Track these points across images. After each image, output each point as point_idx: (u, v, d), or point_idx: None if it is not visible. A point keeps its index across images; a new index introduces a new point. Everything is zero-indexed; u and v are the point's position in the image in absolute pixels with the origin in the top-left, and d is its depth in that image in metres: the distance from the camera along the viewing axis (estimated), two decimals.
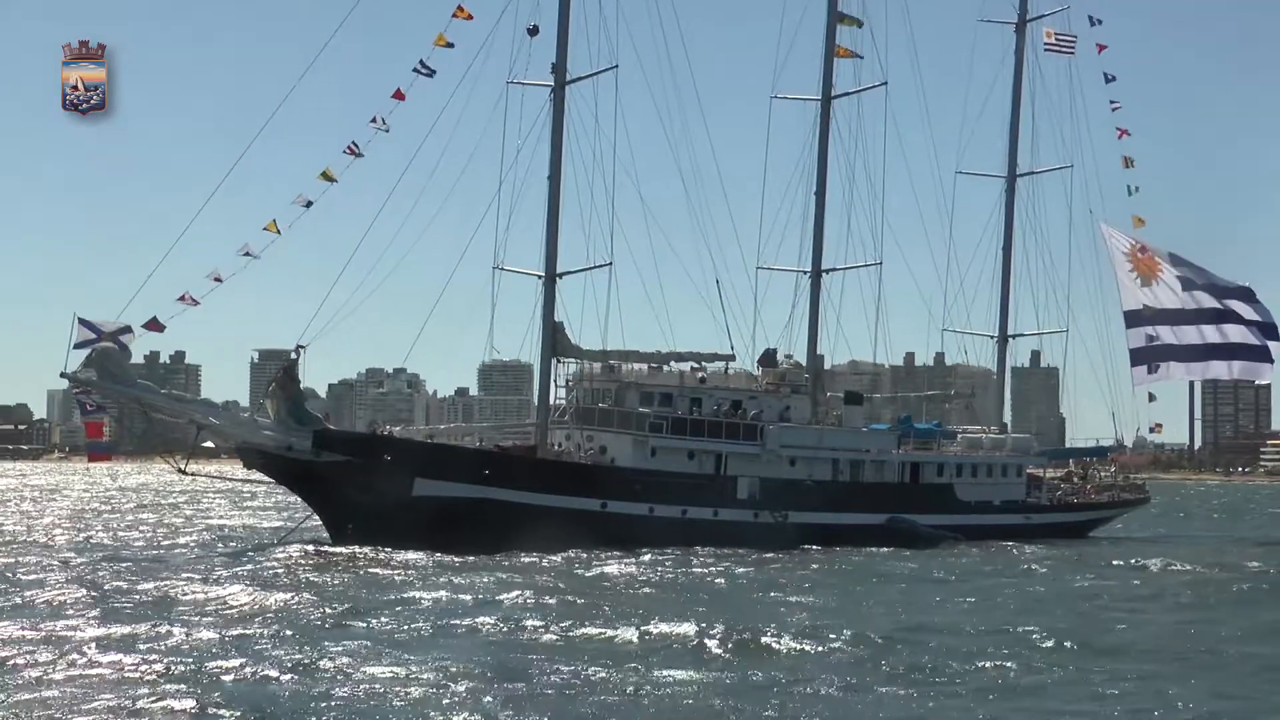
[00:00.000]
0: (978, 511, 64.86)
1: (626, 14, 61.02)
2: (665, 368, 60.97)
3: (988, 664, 26.63)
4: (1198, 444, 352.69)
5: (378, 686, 23.25)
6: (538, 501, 53.50)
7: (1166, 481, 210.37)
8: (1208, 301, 71.99)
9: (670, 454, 57.32)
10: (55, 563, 42.92)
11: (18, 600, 33.22)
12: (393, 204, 57.06)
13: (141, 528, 62.01)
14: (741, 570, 45.78)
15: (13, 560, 43.34)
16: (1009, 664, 26.68)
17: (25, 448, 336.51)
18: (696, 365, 61.53)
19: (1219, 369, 74.07)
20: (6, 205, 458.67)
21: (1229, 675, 26.50)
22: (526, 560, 47.10)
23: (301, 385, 51.79)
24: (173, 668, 24.21)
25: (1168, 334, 72.33)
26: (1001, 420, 73.11)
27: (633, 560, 47.70)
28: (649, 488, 55.99)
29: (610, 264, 57.58)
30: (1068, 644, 29.23)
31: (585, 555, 48.54)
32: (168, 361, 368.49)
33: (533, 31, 58.47)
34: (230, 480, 58.58)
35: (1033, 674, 26.04)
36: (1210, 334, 72.09)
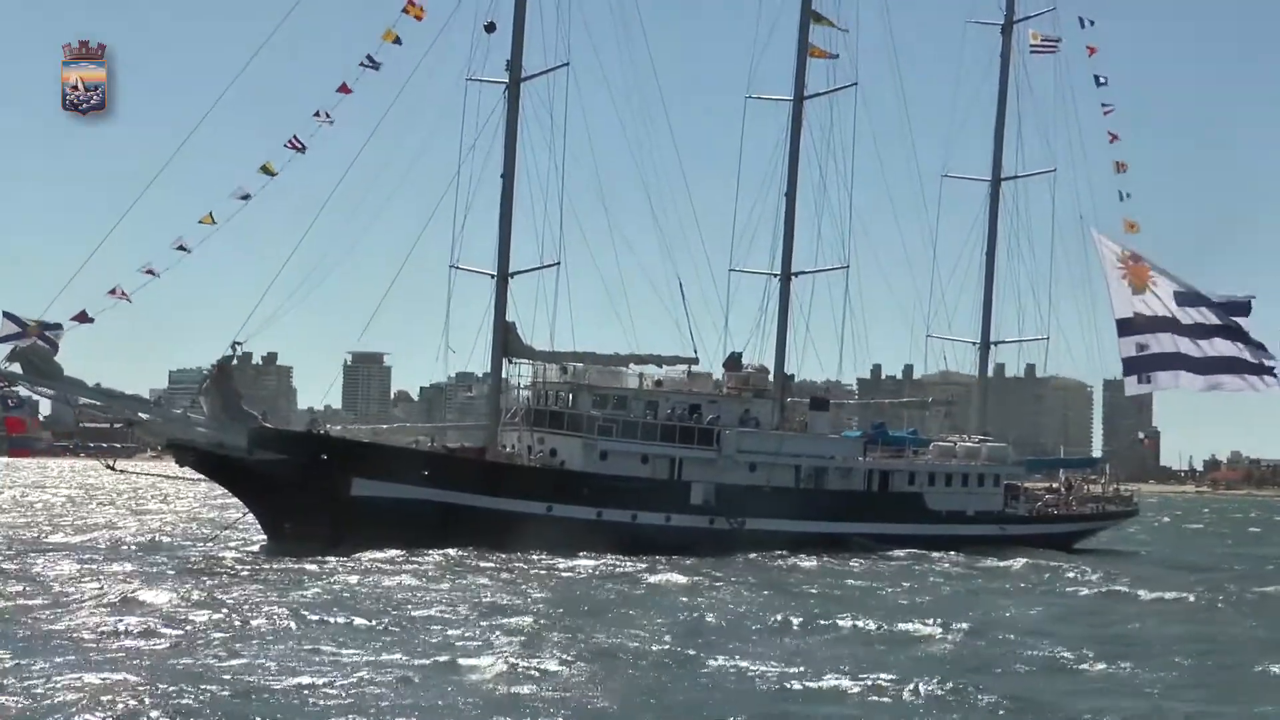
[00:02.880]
0: (948, 522, 63.37)
1: (589, 12, 60.09)
2: (625, 370, 59.89)
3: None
4: None
5: (315, 689, 22.64)
6: (480, 504, 52.62)
7: (1261, 498, 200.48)
8: (1210, 318, 70.29)
9: (621, 458, 56.25)
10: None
11: None
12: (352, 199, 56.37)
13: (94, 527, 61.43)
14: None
15: None
16: None
17: None
18: (656, 368, 60.47)
19: (1230, 382, 72.23)
20: (7, 205, 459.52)
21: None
22: (456, 560, 46.21)
23: (235, 382, 51.04)
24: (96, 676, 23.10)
25: (1161, 342, 70.73)
26: (983, 429, 71.50)
27: (563, 564, 46.76)
28: (596, 491, 54.97)
29: (558, 264, 56.79)
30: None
31: (520, 558, 47.52)
32: (259, 363, 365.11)
33: (489, 28, 57.89)
34: (161, 477, 57.94)
35: None
36: (1210, 348, 70.43)
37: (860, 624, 32.64)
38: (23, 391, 47.84)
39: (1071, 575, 49.66)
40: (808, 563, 51.50)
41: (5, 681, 22.29)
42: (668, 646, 28.03)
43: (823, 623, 32.92)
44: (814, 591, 41.78)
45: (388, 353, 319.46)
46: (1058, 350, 73.32)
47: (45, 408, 53.53)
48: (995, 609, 38.01)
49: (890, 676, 25.07)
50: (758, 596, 39.45)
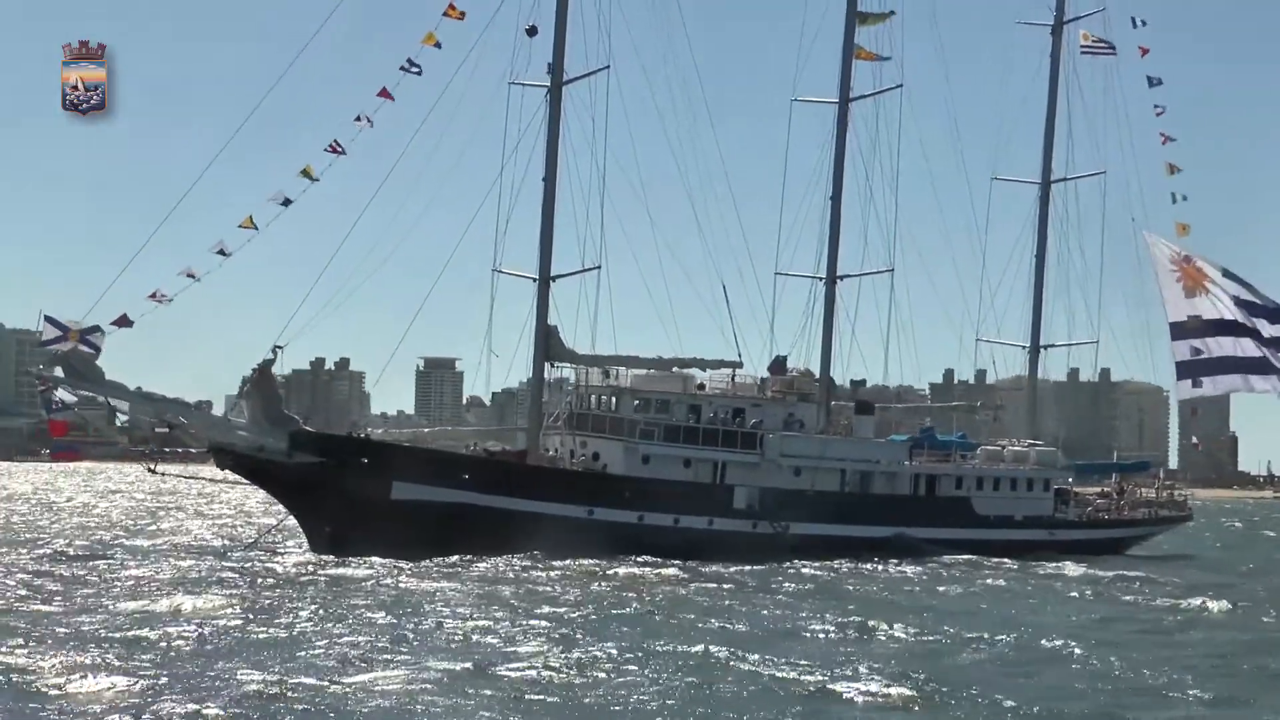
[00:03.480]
0: (997, 526, 62.72)
1: (631, 15, 59.94)
2: (667, 374, 59.59)
3: None
4: None
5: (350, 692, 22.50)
6: (520, 507, 52.50)
7: None
8: (1267, 329, 69.37)
9: (663, 462, 56.00)
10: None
11: None
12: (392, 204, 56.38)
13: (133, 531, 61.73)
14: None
15: None
16: None
17: None
18: (700, 372, 60.15)
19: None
20: (7, 205, 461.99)
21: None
22: (488, 567, 46.07)
23: (276, 385, 51.12)
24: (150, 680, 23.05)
25: (1216, 346, 69.83)
26: (1033, 433, 70.77)
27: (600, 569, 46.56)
28: (638, 495, 54.74)
29: (599, 267, 56.63)
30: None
31: (560, 563, 47.27)
32: (332, 368, 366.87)
33: (531, 32, 57.85)
34: (202, 481, 58.12)
35: None
36: (1262, 349, 69.53)
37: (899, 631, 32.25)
38: (68, 396, 48.00)
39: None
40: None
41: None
42: (722, 650, 27.61)
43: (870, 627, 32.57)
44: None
45: (459, 358, 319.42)
46: (1108, 353, 72.42)
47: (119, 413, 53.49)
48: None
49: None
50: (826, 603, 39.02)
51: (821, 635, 31.44)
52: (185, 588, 36.31)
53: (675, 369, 59.67)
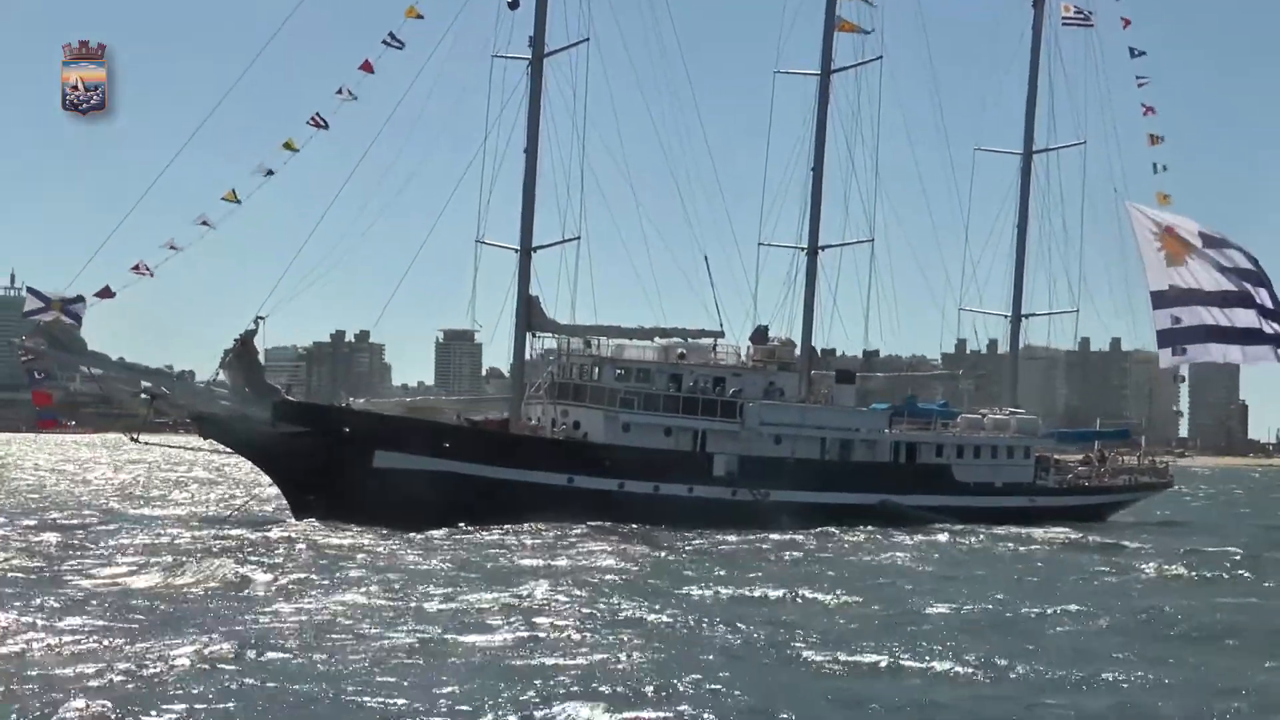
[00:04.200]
0: (976, 494, 63.36)
1: None
2: (649, 343, 60.21)
3: None
4: None
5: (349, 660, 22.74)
6: (501, 475, 53.17)
7: None
8: (1241, 288, 69.95)
9: (644, 430, 56.65)
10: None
11: None
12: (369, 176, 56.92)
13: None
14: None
15: None
16: None
17: None
18: (681, 341, 60.74)
19: (1260, 353, 71.90)
20: (7, 205, 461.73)
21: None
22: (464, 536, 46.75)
23: (258, 356, 51.75)
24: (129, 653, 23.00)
25: (1197, 314, 70.35)
26: (1014, 402, 71.37)
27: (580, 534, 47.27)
28: (618, 463, 55.37)
29: (578, 238, 57.27)
30: None
31: (543, 530, 47.85)
32: (352, 340, 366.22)
33: (513, 5, 58.37)
34: (184, 450, 58.74)
35: None
36: (1246, 318, 70.11)
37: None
38: (45, 365, 48.59)
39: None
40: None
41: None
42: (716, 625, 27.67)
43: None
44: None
45: (478, 328, 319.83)
46: (1089, 322, 72.71)
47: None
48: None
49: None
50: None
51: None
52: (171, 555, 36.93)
53: (657, 339, 60.27)
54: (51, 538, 40.88)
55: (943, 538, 50.97)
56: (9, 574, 32.48)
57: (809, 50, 68.04)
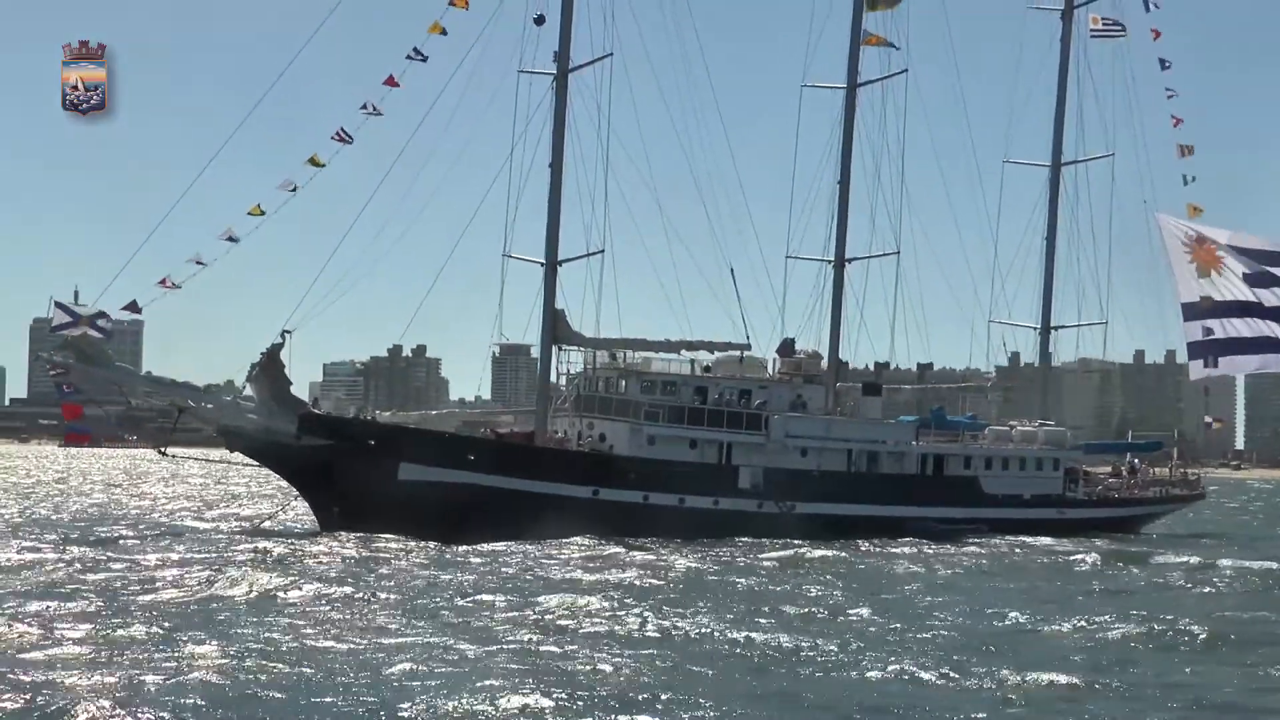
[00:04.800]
0: (1005, 505, 63.25)
1: (638, 3, 60.81)
2: (675, 355, 60.37)
3: None
4: None
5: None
6: (526, 488, 53.37)
7: None
8: (1272, 300, 69.60)
9: (669, 443, 56.76)
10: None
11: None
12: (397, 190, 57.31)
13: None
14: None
15: None
16: None
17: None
18: (708, 354, 60.90)
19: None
20: (6, 204, 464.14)
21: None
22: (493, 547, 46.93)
23: (284, 369, 52.15)
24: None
25: (1229, 326, 70.04)
26: (1045, 413, 71.23)
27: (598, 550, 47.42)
28: (643, 475, 55.51)
29: (602, 251, 57.50)
30: None
31: (565, 541, 48.01)
32: (409, 355, 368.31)
33: (539, 20, 58.67)
34: (212, 463, 59.18)
35: None
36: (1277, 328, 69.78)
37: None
38: (74, 379, 49.10)
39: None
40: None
41: None
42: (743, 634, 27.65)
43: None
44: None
45: (532, 344, 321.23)
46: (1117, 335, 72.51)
47: None
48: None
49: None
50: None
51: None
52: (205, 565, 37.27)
53: (683, 351, 60.42)
54: (83, 550, 41.33)
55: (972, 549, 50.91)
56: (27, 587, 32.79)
57: (836, 64, 68.31)
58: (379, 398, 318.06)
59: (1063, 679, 23.03)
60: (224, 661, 22.80)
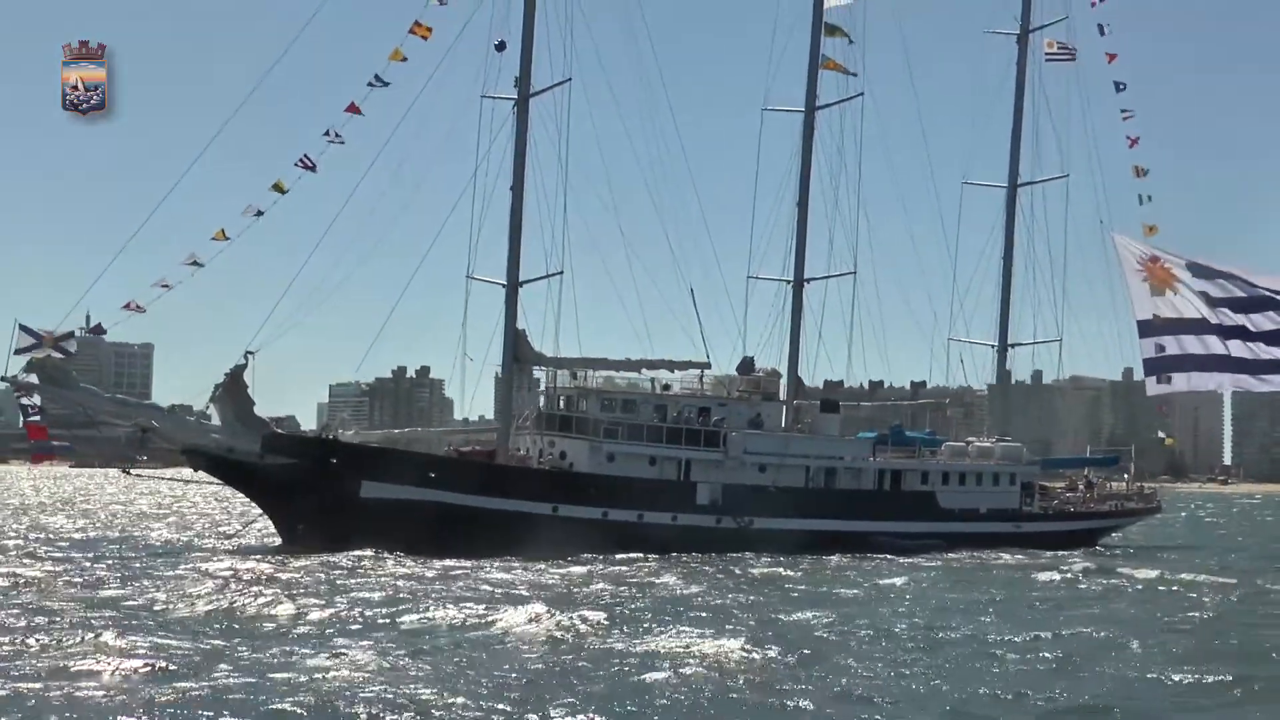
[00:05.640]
0: (961, 520, 64.45)
1: (598, 29, 62.14)
2: (636, 374, 61.53)
3: None
4: None
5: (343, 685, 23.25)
6: (487, 505, 54.41)
7: None
8: (1231, 319, 70.93)
9: (628, 459, 57.88)
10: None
11: None
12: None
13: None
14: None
15: None
16: None
17: None
18: (669, 372, 62.02)
19: (1246, 382, 72.88)
20: (6, 205, 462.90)
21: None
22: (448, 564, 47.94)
23: (248, 390, 53.16)
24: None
25: (1183, 343, 71.34)
26: (1004, 430, 72.48)
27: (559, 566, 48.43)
28: (603, 492, 56.59)
29: (561, 273, 58.63)
30: None
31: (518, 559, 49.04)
32: (414, 375, 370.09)
33: (500, 47, 59.83)
34: (176, 481, 60.18)
35: None
36: (1237, 348, 71.05)
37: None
38: (38, 400, 49.97)
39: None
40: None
41: None
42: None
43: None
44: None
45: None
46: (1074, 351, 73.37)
47: None
48: None
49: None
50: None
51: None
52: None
53: (643, 370, 61.60)
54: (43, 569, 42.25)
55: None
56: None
57: (796, 88, 69.61)
58: (384, 418, 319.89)
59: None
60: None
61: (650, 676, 23.92)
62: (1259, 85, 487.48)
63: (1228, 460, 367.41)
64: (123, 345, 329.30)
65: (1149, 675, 25.24)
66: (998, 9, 75.54)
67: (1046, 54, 73.97)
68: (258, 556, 47.56)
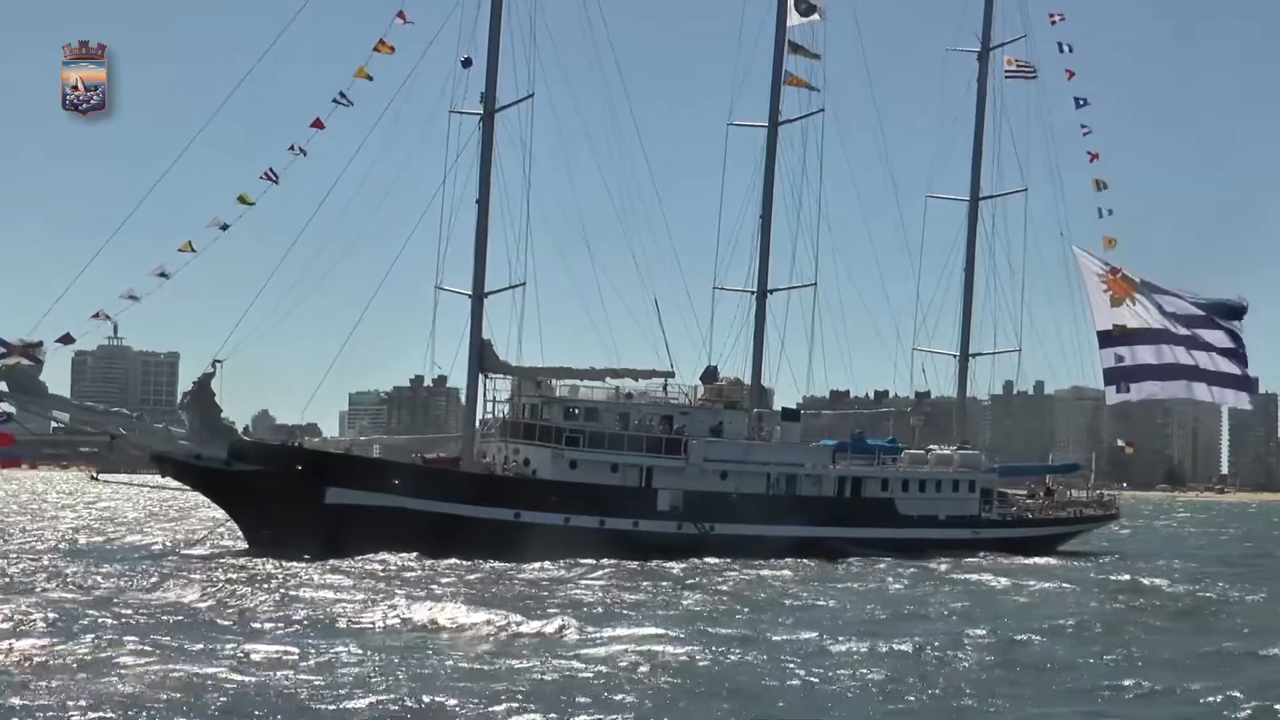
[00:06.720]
0: (920, 526, 65.57)
1: (563, 45, 63.34)
2: (600, 383, 62.59)
3: None
4: None
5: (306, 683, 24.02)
6: (450, 510, 55.43)
7: None
8: (1183, 330, 72.37)
9: (591, 466, 59.01)
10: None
11: None
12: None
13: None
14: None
15: None
16: None
17: None
18: (632, 381, 63.12)
19: (1200, 391, 74.30)
20: (6, 205, 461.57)
21: None
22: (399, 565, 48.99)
23: (215, 397, 54.17)
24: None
25: (1142, 353, 72.72)
26: (964, 438, 73.73)
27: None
28: (565, 498, 57.65)
29: (524, 284, 59.81)
30: None
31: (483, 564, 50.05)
32: (430, 384, 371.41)
33: (466, 63, 61.05)
34: (143, 488, 61.30)
35: None
36: (1187, 357, 72.46)
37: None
38: (6, 407, 50.89)
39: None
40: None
41: None
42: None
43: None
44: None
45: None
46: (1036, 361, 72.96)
47: None
48: None
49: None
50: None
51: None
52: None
53: (608, 379, 62.71)
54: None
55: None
56: None
57: (760, 103, 70.82)
58: (400, 425, 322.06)
59: None
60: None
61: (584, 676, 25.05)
62: (1219, 100, 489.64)
63: (1225, 469, 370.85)
64: (150, 354, 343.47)
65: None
66: (959, 27, 76.96)
67: (1007, 71, 75.35)
68: (223, 561, 48.60)
